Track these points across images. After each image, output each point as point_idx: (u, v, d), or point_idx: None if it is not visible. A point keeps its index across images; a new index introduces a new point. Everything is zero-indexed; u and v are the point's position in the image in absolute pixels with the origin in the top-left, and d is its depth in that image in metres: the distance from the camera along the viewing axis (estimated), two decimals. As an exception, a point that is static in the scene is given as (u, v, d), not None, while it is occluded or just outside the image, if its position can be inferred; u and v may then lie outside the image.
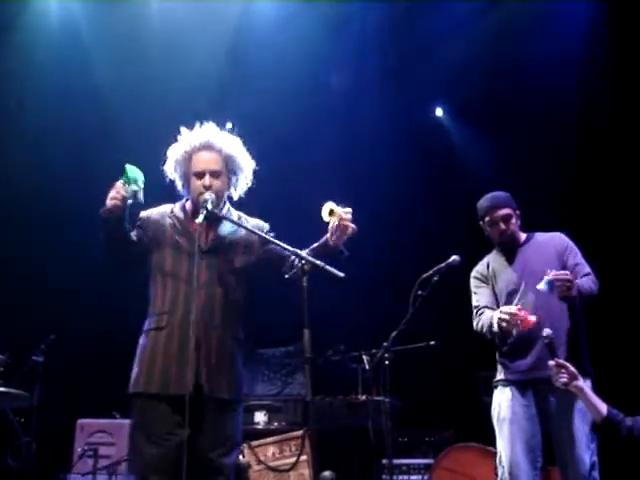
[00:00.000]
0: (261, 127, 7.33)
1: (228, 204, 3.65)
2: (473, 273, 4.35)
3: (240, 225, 3.56)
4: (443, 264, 4.39)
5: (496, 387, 4.18)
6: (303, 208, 7.10)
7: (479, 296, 4.26)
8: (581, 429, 3.85)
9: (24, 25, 6.98)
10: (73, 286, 6.83)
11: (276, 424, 6.08)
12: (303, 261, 3.24)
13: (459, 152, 7.60)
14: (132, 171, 3.38)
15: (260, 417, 6.10)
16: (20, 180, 6.88)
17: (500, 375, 4.16)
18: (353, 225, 3.44)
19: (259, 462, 5.32)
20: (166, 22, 6.97)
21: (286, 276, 3.37)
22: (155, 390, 3.30)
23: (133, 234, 3.50)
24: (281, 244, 3.39)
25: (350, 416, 5.76)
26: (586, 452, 3.86)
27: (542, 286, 3.79)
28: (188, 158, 3.55)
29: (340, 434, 5.71)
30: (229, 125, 7.89)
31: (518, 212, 4.25)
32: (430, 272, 4.39)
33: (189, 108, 7.02)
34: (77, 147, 7.06)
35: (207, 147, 3.55)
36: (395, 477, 5.61)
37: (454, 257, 4.40)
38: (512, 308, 3.88)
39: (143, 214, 3.61)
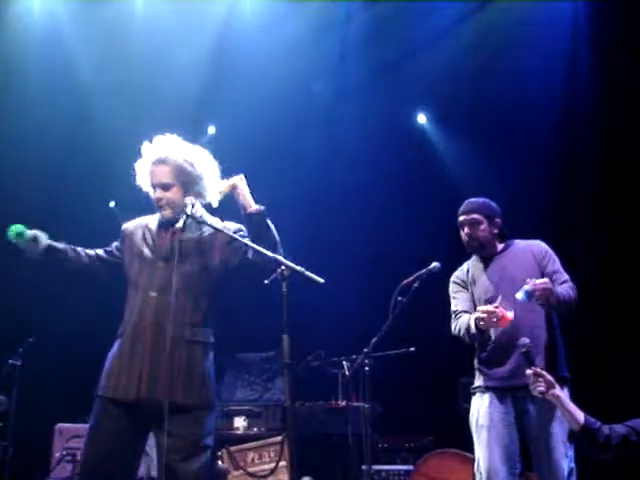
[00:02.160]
0: (244, 130, 7.36)
1: (202, 210, 3.67)
2: (452, 278, 4.36)
3: (221, 231, 3.57)
4: (423, 270, 4.40)
5: (474, 394, 4.18)
6: (284, 212, 7.15)
7: (457, 301, 4.26)
8: (559, 436, 3.86)
9: (6, 24, 6.94)
10: (52, 289, 6.77)
11: (255, 429, 6.07)
12: (282, 267, 3.24)
13: (442, 158, 7.61)
14: (11, 232, 3.52)
15: (240, 422, 6.09)
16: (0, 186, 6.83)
17: (478, 382, 4.16)
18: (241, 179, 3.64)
19: (238, 467, 5.32)
20: (150, 23, 6.96)
21: (265, 281, 3.37)
22: (109, 394, 3.41)
23: (111, 247, 3.71)
24: (259, 249, 3.38)
25: (330, 422, 5.77)
26: (564, 459, 3.88)
27: (520, 296, 3.79)
28: (147, 172, 3.66)
29: (320, 440, 5.71)
30: (211, 129, 7.97)
31: (497, 220, 4.24)
32: (410, 278, 4.39)
33: (172, 109, 7.03)
34: (59, 148, 7.02)
35: (158, 161, 3.62)
36: (375, 483, 5.61)
37: (434, 264, 4.41)
38: (489, 306, 3.90)
39: (124, 226, 3.75)
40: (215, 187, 3.68)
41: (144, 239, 3.62)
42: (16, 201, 6.88)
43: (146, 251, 3.58)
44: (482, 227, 4.19)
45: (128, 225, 3.74)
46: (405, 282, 4.40)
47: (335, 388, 5.85)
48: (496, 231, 4.24)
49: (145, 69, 6.98)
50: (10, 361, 5.57)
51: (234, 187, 3.63)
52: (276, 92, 7.06)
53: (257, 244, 3.41)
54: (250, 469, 5.28)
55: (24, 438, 5.91)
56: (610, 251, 6.63)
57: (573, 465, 3.90)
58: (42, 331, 6.19)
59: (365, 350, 4.67)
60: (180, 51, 6.99)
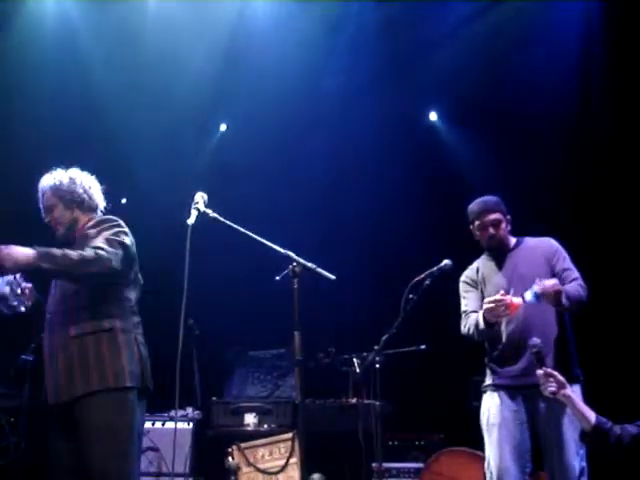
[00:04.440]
0: (255, 128, 7.37)
1: (99, 215, 3.82)
2: (462, 277, 4.36)
3: (227, 223, 3.60)
4: (435, 268, 4.39)
5: (485, 392, 4.18)
6: (296, 210, 7.17)
7: (467, 300, 4.26)
8: (570, 435, 3.85)
9: (20, 24, 6.96)
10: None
11: (266, 426, 6.07)
12: (294, 263, 3.25)
13: (453, 156, 7.59)
14: None
15: (250, 419, 6.10)
16: (16, 182, 6.85)
17: (489, 380, 4.16)
18: None
19: (248, 464, 5.32)
20: (162, 22, 6.96)
21: (277, 278, 3.38)
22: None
23: None
24: (273, 245, 3.39)
25: (340, 419, 5.76)
26: (575, 458, 3.87)
27: (529, 297, 3.79)
28: (41, 209, 3.86)
29: (330, 437, 5.71)
30: (223, 127, 8.00)
31: (509, 217, 4.25)
32: (422, 276, 4.39)
33: (184, 107, 7.05)
34: (71, 148, 7.04)
35: (41, 194, 3.84)
36: (385, 481, 5.61)
37: (446, 261, 4.40)
38: (496, 295, 3.89)
39: None
40: (98, 195, 3.87)
41: None
42: (28, 198, 6.91)
43: None
44: (503, 226, 4.21)
45: None
46: (416, 279, 4.40)
47: (346, 385, 5.84)
48: (509, 228, 4.25)
49: (157, 67, 6.99)
50: (23, 356, 5.59)
51: None
52: (288, 90, 7.06)
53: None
54: (260, 466, 5.28)
55: (36, 434, 5.93)
56: (624, 247, 6.59)
57: (584, 464, 3.89)
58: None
59: (376, 347, 4.68)
60: (192, 49, 7.00)
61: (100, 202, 3.87)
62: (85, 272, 3.38)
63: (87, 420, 3.40)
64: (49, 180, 3.84)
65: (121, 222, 3.67)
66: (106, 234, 3.57)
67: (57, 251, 3.36)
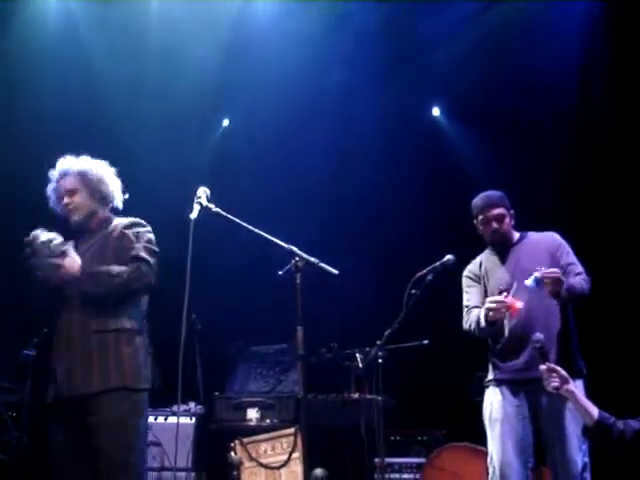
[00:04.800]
0: (258, 125, 7.36)
1: (106, 214, 3.85)
2: (465, 272, 4.35)
3: (229, 218, 3.62)
4: (438, 263, 4.38)
5: (487, 387, 4.17)
6: (298, 204, 7.17)
7: (470, 295, 4.26)
8: (573, 430, 3.85)
9: (22, 21, 6.95)
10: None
11: (268, 421, 6.06)
12: (297, 258, 3.25)
13: (455, 151, 7.58)
14: None
15: (252, 414, 6.09)
16: (19, 177, 6.84)
17: (491, 375, 4.16)
18: None
19: (251, 459, 5.32)
20: (165, 19, 6.96)
21: (279, 272, 3.38)
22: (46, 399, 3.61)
23: None
24: (276, 240, 3.39)
25: (343, 414, 5.76)
26: (578, 453, 3.86)
27: (529, 282, 3.79)
28: (54, 187, 3.85)
29: (332, 432, 5.71)
30: (225, 122, 8.01)
31: (512, 212, 4.25)
32: (424, 271, 4.37)
33: (187, 102, 7.05)
34: (73, 142, 7.03)
35: (61, 174, 3.84)
36: (387, 476, 5.61)
37: (449, 256, 4.38)
38: (497, 296, 3.89)
39: None
40: (118, 191, 3.88)
41: None
42: (30, 193, 6.91)
43: None
44: (506, 220, 4.20)
45: None
46: (419, 274, 4.38)
47: (348, 380, 5.84)
48: (513, 222, 4.24)
49: (159, 63, 7.00)
50: (25, 351, 5.59)
51: None
52: (290, 85, 7.06)
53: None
54: (263, 460, 5.28)
55: (37, 428, 5.93)
56: (627, 242, 6.59)
57: (587, 459, 3.89)
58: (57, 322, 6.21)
59: (378, 342, 4.66)
60: (194, 45, 7.00)
61: (118, 201, 3.91)
62: (127, 292, 3.52)
63: (102, 416, 3.45)
64: (77, 163, 3.83)
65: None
66: (144, 241, 3.67)
67: (102, 271, 3.50)
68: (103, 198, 3.82)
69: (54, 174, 3.86)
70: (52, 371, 3.57)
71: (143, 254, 3.57)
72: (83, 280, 3.49)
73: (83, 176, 3.80)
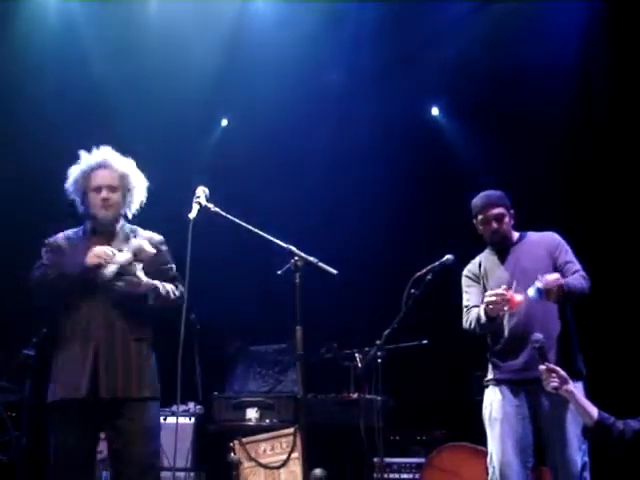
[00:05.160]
0: (256, 123, 7.35)
1: (123, 220, 3.86)
2: (465, 272, 4.35)
3: (228, 218, 3.61)
4: (437, 263, 4.37)
5: (487, 386, 4.17)
6: (297, 205, 7.16)
7: (469, 295, 4.26)
8: (573, 430, 3.85)
9: (22, 20, 6.95)
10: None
11: (268, 421, 6.06)
12: (296, 257, 3.25)
13: (454, 151, 7.58)
14: None
15: (252, 414, 6.09)
16: (18, 177, 6.84)
17: (491, 374, 4.16)
18: None
19: (250, 459, 5.31)
20: (164, 20, 6.95)
21: (278, 272, 3.38)
22: (62, 396, 3.57)
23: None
24: (275, 240, 3.39)
25: (342, 414, 5.76)
26: (577, 453, 3.87)
27: (532, 293, 3.78)
28: (87, 176, 3.77)
29: (332, 432, 5.71)
30: (224, 122, 8.01)
31: (512, 211, 4.24)
32: (423, 271, 4.37)
33: (186, 102, 7.04)
34: (74, 142, 7.02)
35: (104, 165, 3.78)
36: (386, 475, 5.60)
37: (448, 256, 4.38)
38: (497, 290, 3.89)
39: (48, 239, 3.87)
40: (139, 201, 3.88)
41: (77, 249, 3.71)
42: (29, 193, 6.91)
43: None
44: (506, 220, 4.20)
45: (53, 239, 3.86)
46: (418, 274, 4.38)
47: (347, 380, 5.84)
48: (513, 222, 4.24)
49: (159, 63, 6.98)
50: (24, 351, 5.59)
51: None
52: (289, 86, 7.06)
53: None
54: (262, 460, 5.28)
55: (37, 428, 5.92)
56: (628, 241, 6.58)
57: (587, 459, 3.89)
58: (56, 322, 6.21)
59: (378, 342, 4.66)
60: (194, 45, 6.99)
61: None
62: (173, 311, 3.65)
63: (137, 422, 3.55)
64: (121, 163, 3.81)
65: None
66: (172, 261, 3.84)
67: (167, 289, 3.65)
68: (128, 205, 3.82)
69: (89, 160, 3.79)
70: (89, 369, 3.52)
71: (178, 281, 3.75)
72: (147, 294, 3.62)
73: (125, 178, 3.78)
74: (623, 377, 6.06)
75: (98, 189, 3.73)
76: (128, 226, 3.86)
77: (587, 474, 3.88)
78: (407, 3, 6.85)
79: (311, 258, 3.26)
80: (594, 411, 3.33)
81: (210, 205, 3.56)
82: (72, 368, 3.56)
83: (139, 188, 3.85)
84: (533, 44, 6.81)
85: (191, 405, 6.04)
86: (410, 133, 7.40)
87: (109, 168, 3.77)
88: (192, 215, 3.47)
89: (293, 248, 3.33)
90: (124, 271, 3.56)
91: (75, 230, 3.87)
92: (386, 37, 7.06)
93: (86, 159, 3.80)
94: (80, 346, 3.57)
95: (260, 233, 3.49)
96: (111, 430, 3.59)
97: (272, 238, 3.41)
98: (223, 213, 3.58)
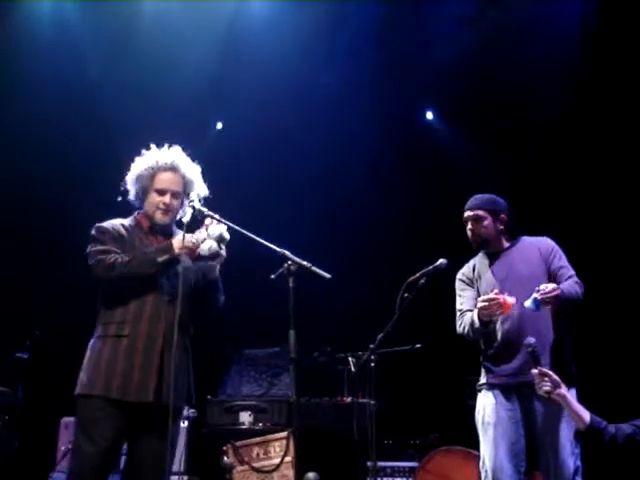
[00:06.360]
0: (251, 126, 7.36)
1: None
2: (459, 275, 4.36)
3: (227, 223, 3.60)
4: (430, 267, 4.37)
5: (480, 391, 4.17)
6: (290, 208, 7.17)
7: (463, 299, 4.26)
8: (565, 434, 3.85)
9: (16, 22, 6.95)
10: (59, 283, 6.80)
11: (261, 425, 6.06)
12: (289, 262, 3.24)
13: (449, 155, 7.59)
14: None
15: (245, 417, 6.08)
16: (11, 180, 6.83)
17: (484, 379, 4.16)
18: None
19: (243, 462, 5.30)
20: (159, 21, 6.96)
21: (272, 276, 3.37)
22: (115, 395, 3.40)
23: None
24: (268, 244, 3.39)
25: (335, 418, 5.77)
26: (570, 457, 3.87)
27: (529, 304, 3.79)
28: (152, 174, 3.66)
29: (325, 436, 5.71)
30: (219, 125, 7.99)
31: (502, 216, 4.23)
32: (417, 275, 4.36)
33: (181, 105, 7.04)
34: (69, 145, 7.03)
35: (172, 168, 3.68)
36: (379, 479, 5.60)
37: (441, 260, 4.38)
38: (490, 294, 3.89)
39: (105, 225, 3.67)
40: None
41: (141, 243, 3.63)
42: (25, 197, 6.90)
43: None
44: (485, 223, 4.19)
45: (110, 226, 3.68)
46: (411, 279, 4.38)
47: (341, 384, 5.84)
48: (501, 227, 4.23)
49: (154, 65, 6.99)
50: (17, 354, 5.58)
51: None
52: (284, 88, 7.07)
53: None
54: (255, 464, 5.27)
55: (30, 431, 5.92)
56: (622, 246, 6.60)
57: (579, 463, 3.89)
58: (49, 325, 6.20)
59: (371, 346, 4.66)
60: (188, 47, 7.00)
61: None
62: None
63: (176, 426, 3.59)
64: (189, 167, 3.73)
65: None
66: None
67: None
68: (184, 209, 3.70)
69: (159, 158, 3.68)
70: (155, 373, 3.45)
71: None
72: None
73: (190, 185, 3.71)
74: (615, 381, 6.08)
75: (162, 192, 3.64)
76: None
77: (579, 478, 3.89)
78: (402, 7, 6.87)
79: (304, 262, 3.25)
80: (586, 415, 3.33)
81: (204, 209, 3.56)
82: (132, 367, 3.43)
83: (196, 194, 3.71)
84: (530, 46, 6.83)
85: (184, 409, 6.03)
86: (405, 135, 7.42)
87: (177, 172, 3.68)
88: (185, 219, 3.47)
89: (286, 252, 3.32)
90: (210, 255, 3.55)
91: (127, 221, 3.72)
92: (382, 39, 7.08)
93: (155, 156, 3.70)
94: (142, 344, 3.47)
95: (253, 237, 3.49)
96: (161, 433, 3.40)
97: (265, 242, 3.40)
98: (217, 217, 3.57)
